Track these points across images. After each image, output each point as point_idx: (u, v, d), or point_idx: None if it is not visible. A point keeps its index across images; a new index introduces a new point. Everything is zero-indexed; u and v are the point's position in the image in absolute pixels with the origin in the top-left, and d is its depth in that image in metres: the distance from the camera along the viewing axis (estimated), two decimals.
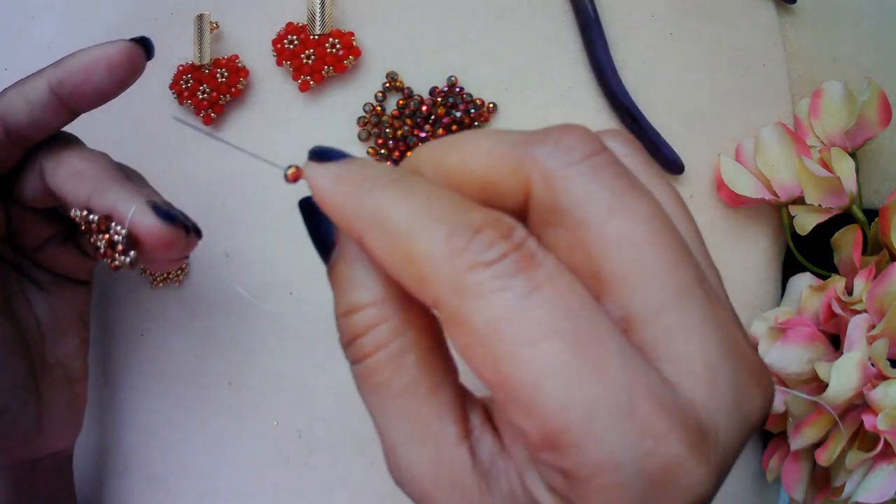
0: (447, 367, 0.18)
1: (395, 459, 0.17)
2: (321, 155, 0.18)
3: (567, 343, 0.14)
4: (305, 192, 0.18)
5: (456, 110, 0.35)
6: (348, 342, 0.18)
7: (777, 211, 0.35)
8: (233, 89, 0.36)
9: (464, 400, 0.18)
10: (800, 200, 0.33)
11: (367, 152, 0.36)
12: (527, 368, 0.14)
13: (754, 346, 0.16)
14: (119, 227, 0.24)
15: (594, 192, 0.15)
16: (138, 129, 0.39)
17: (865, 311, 0.30)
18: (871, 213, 0.32)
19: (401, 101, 0.36)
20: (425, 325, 0.18)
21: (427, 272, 0.15)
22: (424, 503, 0.17)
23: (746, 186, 0.33)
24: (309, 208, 0.19)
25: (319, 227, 0.18)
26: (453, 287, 0.15)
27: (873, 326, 0.30)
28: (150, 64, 0.39)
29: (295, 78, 0.36)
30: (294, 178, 0.18)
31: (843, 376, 0.29)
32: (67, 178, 0.25)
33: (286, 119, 0.37)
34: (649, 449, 0.14)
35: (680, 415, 0.15)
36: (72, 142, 0.27)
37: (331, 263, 0.18)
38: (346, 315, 0.17)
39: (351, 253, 0.18)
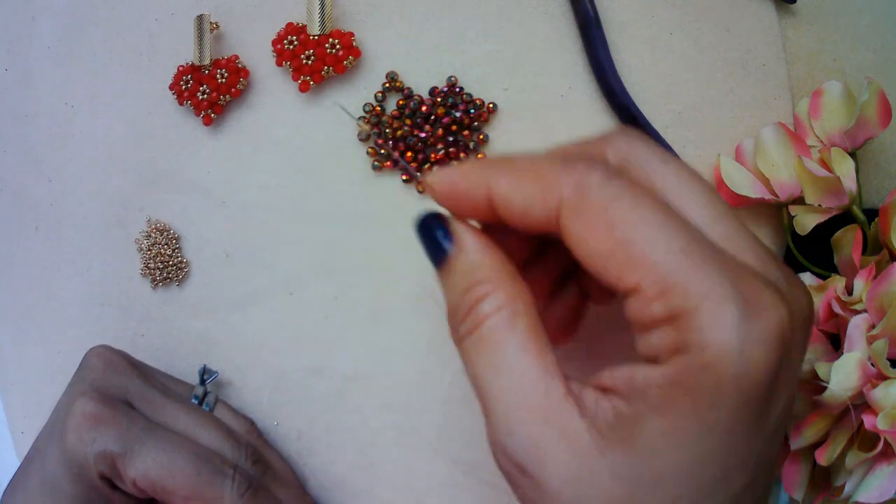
0: (547, 340, 0.21)
1: (505, 424, 0.20)
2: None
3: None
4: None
5: (456, 110, 0.35)
6: (468, 311, 0.21)
7: (777, 211, 0.35)
8: (233, 89, 0.36)
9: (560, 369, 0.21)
10: (800, 200, 0.33)
11: (367, 152, 0.36)
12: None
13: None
14: None
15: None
16: (138, 130, 0.39)
17: (865, 310, 0.30)
18: (871, 213, 0.32)
19: (401, 101, 0.36)
20: (529, 300, 0.21)
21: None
22: (533, 457, 0.19)
23: (746, 186, 0.33)
24: (426, 223, 0.23)
25: (436, 234, 0.22)
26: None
27: (873, 326, 0.30)
28: (150, 64, 0.39)
29: (295, 78, 0.36)
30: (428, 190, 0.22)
31: (843, 376, 0.29)
32: None
33: (286, 119, 0.37)
34: (740, 280, 0.18)
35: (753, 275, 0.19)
36: None
37: (450, 259, 0.22)
38: (468, 290, 0.21)
39: (468, 245, 0.22)
